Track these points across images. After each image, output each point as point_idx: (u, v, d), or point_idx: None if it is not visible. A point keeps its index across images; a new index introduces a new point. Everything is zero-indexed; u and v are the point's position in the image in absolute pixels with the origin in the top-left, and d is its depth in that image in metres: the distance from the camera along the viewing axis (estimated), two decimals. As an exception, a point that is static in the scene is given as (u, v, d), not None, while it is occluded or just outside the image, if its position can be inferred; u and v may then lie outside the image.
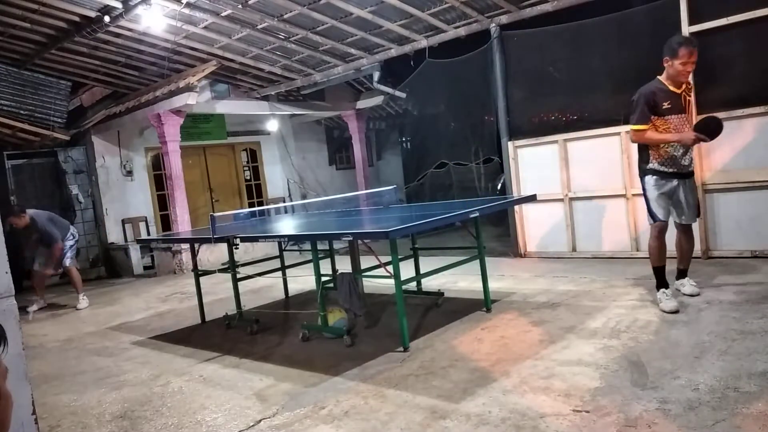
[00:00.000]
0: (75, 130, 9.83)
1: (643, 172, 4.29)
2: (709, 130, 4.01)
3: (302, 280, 6.36)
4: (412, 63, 8.43)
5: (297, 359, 4.10)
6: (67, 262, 7.34)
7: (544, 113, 7.22)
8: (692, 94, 4.33)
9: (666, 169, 4.17)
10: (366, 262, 5.00)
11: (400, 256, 4.00)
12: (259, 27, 7.61)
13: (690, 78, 4.24)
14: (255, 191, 12.40)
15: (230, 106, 10.21)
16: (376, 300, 5.42)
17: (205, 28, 7.59)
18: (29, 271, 7.43)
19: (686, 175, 4.23)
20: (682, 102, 4.14)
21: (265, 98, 10.28)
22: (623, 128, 6.22)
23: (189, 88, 8.45)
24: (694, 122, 4.22)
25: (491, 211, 4.44)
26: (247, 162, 12.40)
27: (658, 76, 4.18)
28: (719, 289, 4.56)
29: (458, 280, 5.84)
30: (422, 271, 5.10)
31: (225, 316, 5.38)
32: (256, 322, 5.03)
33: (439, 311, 4.97)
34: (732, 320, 3.77)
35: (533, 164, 7.02)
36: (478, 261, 4.71)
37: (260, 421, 3.12)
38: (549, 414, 2.74)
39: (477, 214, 4.34)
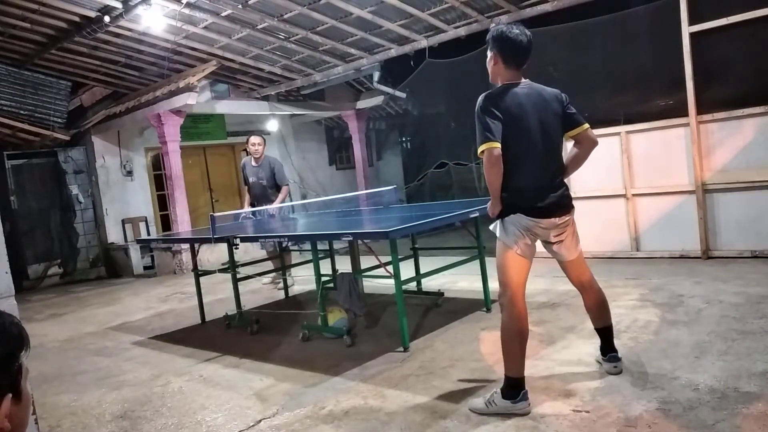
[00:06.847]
0: (75, 130, 9.82)
1: None
2: None
3: (302, 280, 6.37)
4: (412, 63, 8.42)
5: (297, 359, 4.10)
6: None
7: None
8: None
9: None
10: (366, 262, 4.99)
11: (400, 256, 4.00)
12: (259, 27, 7.60)
13: None
14: (255, 191, 12.36)
15: (230, 106, 10.21)
16: (376, 300, 5.42)
17: (205, 28, 7.58)
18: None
19: None
20: None
21: (265, 98, 10.28)
22: (623, 128, 6.23)
23: (189, 88, 8.45)
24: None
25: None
26: (248, 162, 12.38)
27: None
28: (719, 289, 4.55)
29: (458, 280, 5.83)
30: (422, 271, 5.10)
31: (225, 316, 5.38)
32: (256, 322, 5.03)
33: (439, 311, 4.97)
34: (732, 320, 3.77)
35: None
36: (478, 261, 4.72)
37: (260, 421, 3.12)
38: (549, 414, 2.74)
39: (477, 214, 4.34)
